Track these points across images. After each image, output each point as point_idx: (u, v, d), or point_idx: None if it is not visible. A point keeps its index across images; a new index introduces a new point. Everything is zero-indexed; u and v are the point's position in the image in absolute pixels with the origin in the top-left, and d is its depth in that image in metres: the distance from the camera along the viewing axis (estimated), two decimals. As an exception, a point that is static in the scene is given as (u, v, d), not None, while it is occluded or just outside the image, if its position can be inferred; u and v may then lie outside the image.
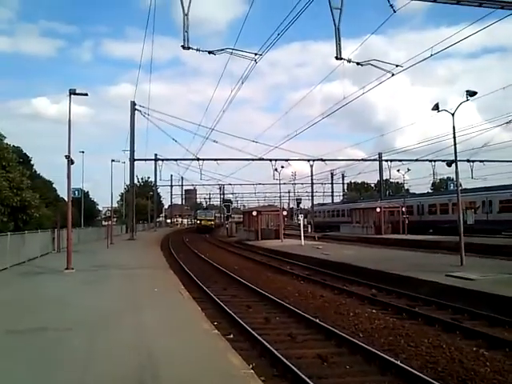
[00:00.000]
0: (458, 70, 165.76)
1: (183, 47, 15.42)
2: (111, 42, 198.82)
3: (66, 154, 18.12)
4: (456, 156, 18.14)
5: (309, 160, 48.92)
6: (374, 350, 7.76)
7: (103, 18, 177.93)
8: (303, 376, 6.51)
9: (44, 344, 7.18)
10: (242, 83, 22.58)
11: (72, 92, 17.63)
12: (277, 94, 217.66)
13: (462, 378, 6.64)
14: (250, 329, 9.31)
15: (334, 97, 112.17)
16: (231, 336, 8.97)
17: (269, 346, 8.04)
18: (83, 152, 45.67)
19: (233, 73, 49.76)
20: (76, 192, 22.67)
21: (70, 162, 18.32)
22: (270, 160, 43.32)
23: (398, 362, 7.17)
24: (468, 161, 44.40)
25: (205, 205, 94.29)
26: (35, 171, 42.55)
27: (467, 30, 14.80)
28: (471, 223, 33.07)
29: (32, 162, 43.22)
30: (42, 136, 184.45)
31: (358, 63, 16.77)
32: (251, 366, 6.55)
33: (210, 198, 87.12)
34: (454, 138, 17.81)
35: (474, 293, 11.74)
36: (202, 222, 75.67)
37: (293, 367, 6.90)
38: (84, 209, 43.38)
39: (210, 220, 77.10)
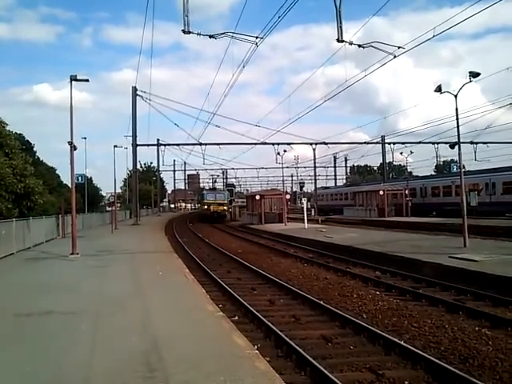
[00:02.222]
0: (461, 51, 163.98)
1: (184, 31, 15.35)
2: (112, 28, 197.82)
3: (69, 140, 18.14)
4: (459, 138, 18.02)
5: (311, 143, 48.72)
6: (377, 331, 7.85)
7: (103, 3, 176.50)
8: (308, 356, 6.58)
9: (50, 328, 7.26)
10: (244, 67, 22.49)
11: (73, 78, 17.54)
12: (279, 77, 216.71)
13: (464, 356, 6.72)
14: (254, 311, 9.40)
15: (336, 80, 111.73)
16: (236, 318, 9.08)
17: (273, 327, 8.12)
18: (85, 138, 46.17)
19: (234, 57, 49.27)
20: (79, 178, 22.64)
21: (73, 148, 18.33)
22: (273, 144, 43.19)
23: (402, 342, 7.26)
24: (471, 143, 44.18)
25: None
26: (38, 158, 42.75)
27: (470, 10, 14.50)
28: (474, 205, 33.07)
29: (35, 149, 43.39)
30: (44, 123, 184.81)
31: (359, 45, 16.65)
32: (256, 347, 6.62)
33: (213, 182, 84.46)
34: (457, 119, 17.72)
35: (478, 274, 11.80)
36: (211, 206, 55.82)
37: (297, 348, 6.98)
38: (88, 194, 43.55)
39: (222, 204, 57.06)
